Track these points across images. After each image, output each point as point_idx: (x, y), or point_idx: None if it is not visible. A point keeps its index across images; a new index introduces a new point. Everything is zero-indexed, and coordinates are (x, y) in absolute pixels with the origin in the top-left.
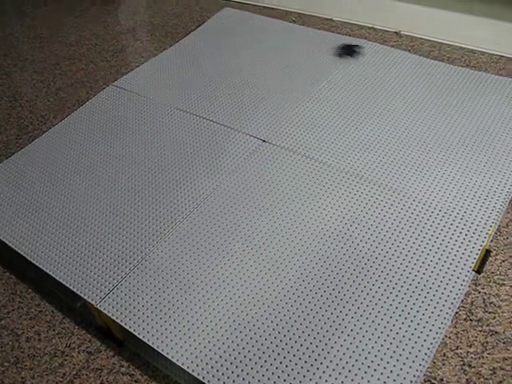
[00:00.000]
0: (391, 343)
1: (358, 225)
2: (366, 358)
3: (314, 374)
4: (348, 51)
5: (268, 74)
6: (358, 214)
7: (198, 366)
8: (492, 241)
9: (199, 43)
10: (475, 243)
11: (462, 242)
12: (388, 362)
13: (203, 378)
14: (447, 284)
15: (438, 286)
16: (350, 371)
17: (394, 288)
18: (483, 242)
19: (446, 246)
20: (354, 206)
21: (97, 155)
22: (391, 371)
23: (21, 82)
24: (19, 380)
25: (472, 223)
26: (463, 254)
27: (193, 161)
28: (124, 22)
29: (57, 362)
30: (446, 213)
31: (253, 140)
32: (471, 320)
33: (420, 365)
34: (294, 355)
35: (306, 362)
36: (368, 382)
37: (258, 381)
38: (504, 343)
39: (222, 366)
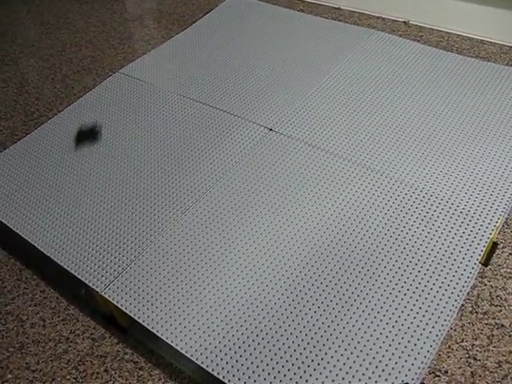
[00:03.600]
0: (396, 335)
1: (364, 215)
2: (371, 349)
3: (318, 364)
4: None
5: (275, 63)
6: (364, 205)
7: (201, 354)
8: (499, 233)
9: (206, 31)
10: (482, 236)
11: (469, 235)
12: (393, 354)
13: (207, 366)
14: (453, 276)
15: (444, 278)
16: (354, 362)
17: (399, 280)
18: (490, 234)
19: (453, 238)
20: (360, 197)
21: (103, 142)
22: (396, 363)
23: (27, 69)
24: (24, 365)
25: (480, 216)
26: (470, 246)
27: (199, 148)
28: (131, 10)
29: (61, 349)
30: (453, 205)
31: (259, 129)
32: (477, 313)
33: (425, 357)
34: (298, 345)
35: (310, 351)
36: (373, 373)
37: (263, 370)
38: (510, 336)
39: (226, 354)
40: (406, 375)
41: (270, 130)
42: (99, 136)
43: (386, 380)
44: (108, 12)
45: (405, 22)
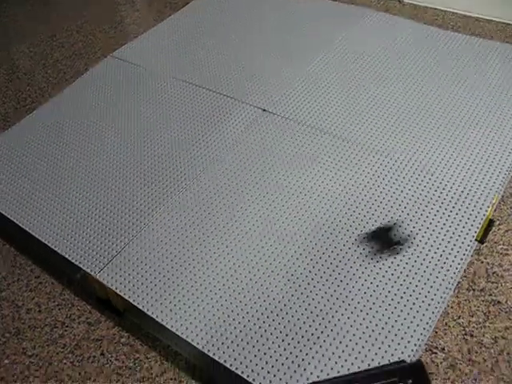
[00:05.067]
0: (393, 312)
1: (359, 193)
2: (367, 327)
3: (314, 343)
4: None
5: (268, 43)
6: (359, 183)
7: (197, 335)
8: (496, 211)
9: (199, 13)
10: (478, 213)
11: (464, 212)
12: (389, 332)
13: (203, 347)
14: (449, 254)
15: (440, 255)
16: (350, 340)
17: (395, 257)
18: (486, 211)
19: (449, 216)
20: (355, 175)
21: (95, 126)
22: (392, 340)
23: (18, 55)
24: (20, 350)
25: (475, 193)
26: (466, 223)
27: (193, 130)
28: None
29: (57, 333)
30: (448, 182)
31: (253, 109)
32: (474, 290)
33: (421, 334)
34: (294, 324)
35: (306, 331)
36: (369, 350)
37: (258, 350)
38: (506, 312)
39: (221, 335)
40: (403, 352)
41: (264, 110)
42: None
43: (383, 357)
44: None
45: (399, 0)
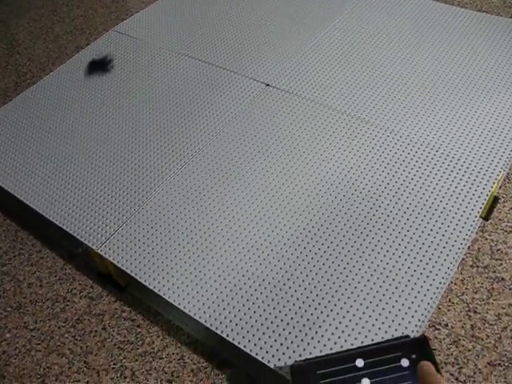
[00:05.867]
0: (397, 288)
1: (363, 169)
2: (370, 303)
3: (317, 317)
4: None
5: (272, 17)
6: (363, 159)
7: (199, 309)
8: (501, 188)
9: None
10: (483, 190)
11: (470, 188)
12: (393, 307)
13: (205, 321)
14: (454, 229)
15: (445, 231)
16: (354, 315)
17: (399, 233)
18: (491, 188)
19: (454, 192)
20: (359, 151)
21: (96, 100)
22: (396, 315)
23: (17, 29)
24: (22, 324)
25: (480, 169)
26: (471, 200)
27: (195, 105)
28: None
29: (59, 308)
30: (453, 158)
31: (256, 84)
32: (477, 267)
33: (425, 309)
34: (297, 299)
35: (310, 305)
36: (372, 325)
37: (261, 324)
38: (510, 289)
39: (224, 309)
40: (406, 327)
41: (267, 85)
42: (110, 67)
43: (386, 332)
44: None
45: None
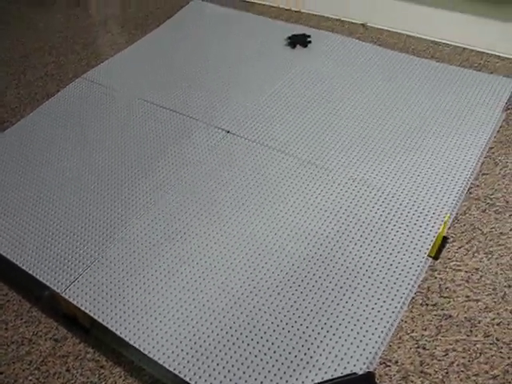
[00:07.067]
0: (346, 327)
1: (317, 213)
2: (321, 342)
3: (270, 357)
4: (299, 41)
5: (233, 66)
6: (317, 203)
7: (164, 354)
8: (450, 228)
9: (168, 35)
10: (431, 230)
11: (418, 230)
12: (342, 345)
13: (169, 365)
14: (402, 270)
15: (394, 271)
16: (305, 354)
17: (350, 274)
18: (438, 229)
19: (402, 233)
20: (313, 196)
21: (63, 148)
22: (345, 353)
23: None
24: None
25: (428, 211)
26: (419, 240)
27: (156, 152)
28: (95, 15)
29: (24, 350)
30: (403, 201)
31: (217, 131)
32: (427, 304)
33: (373, 347)
34: (257, 342)
35: (269, 348)
36: (323, 364)
37: (228, 371)
38: (457, 326)
39: (187, 354)
40: (355, 365)
41: (228, 132)
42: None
43: (335, 370)
44: (72, 17)
45: (363, 24)
